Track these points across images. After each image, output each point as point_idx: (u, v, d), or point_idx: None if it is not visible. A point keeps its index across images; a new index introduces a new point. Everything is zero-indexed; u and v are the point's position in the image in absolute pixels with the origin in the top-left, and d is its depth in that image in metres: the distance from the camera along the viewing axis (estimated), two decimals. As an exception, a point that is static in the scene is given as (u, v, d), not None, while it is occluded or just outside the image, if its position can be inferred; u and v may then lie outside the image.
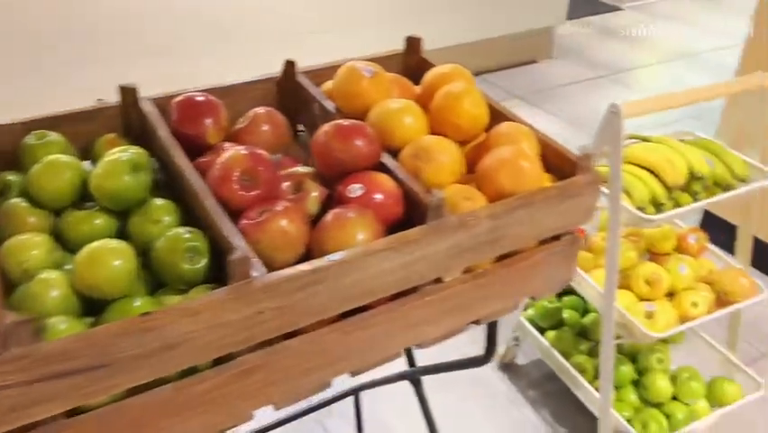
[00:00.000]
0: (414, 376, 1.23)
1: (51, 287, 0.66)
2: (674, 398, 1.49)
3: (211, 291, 0.62)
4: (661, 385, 1.46)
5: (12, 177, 0.79)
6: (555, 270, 0.90)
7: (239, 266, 0.61)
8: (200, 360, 0.65)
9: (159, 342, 0.60)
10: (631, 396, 1.50)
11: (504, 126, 0.89)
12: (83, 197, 0.77)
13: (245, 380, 0.68)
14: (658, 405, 1.48)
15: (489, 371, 1.76)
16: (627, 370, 1.52)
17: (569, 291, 1.70)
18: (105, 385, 0.61)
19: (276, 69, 0.99)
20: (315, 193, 0.79)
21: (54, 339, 0.57)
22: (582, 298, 1.60)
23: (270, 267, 0.66)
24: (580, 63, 3.69)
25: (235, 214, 0.72)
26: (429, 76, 0.97)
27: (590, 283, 1.36)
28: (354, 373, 0.79)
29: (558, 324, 1.64)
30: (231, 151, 0.76)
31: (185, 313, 0.60)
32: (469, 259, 0.79)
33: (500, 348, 1.77)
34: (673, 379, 1.50)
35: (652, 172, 1.27)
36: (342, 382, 0.93)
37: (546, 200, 0.80)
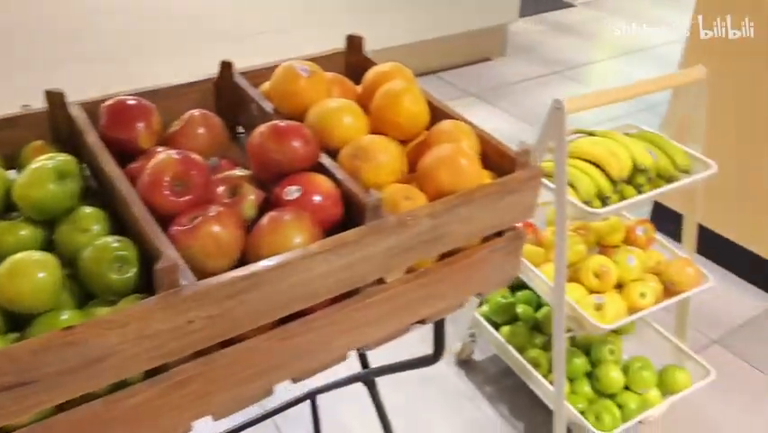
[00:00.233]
0: (366, 378, 1.22)
1: (-29, 302, 0.63)
2: (627, 388, 1.51)
3: (138, 302, 0.60)
4: (613, 376, 1.48)
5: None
6: (499, 266, 0.90)
7: (166, 275, 0.59)
8: (130, 373, 0.62)
9: (84, 356, 0.58)
10: (585, 388, 1.52)
11: (444, 124, 0.88)
12: (8, 207, 0.74)
13: (180, 391, 0.66)
14: (611, 396, 1.50)
15: (447, 368, 1.77)
16: (581, 362, 1.53)
17: (522, 286, 1.71)
18: (29, 403, 0.59)
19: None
20: (251, 197, 0.77)
21: (-29, 357, 0.55)
22: (536, 292, 1.61)
23: (203, 274, 0.64)
24: (533, 60, 3.73)
25: (168, 221, 0.70)
26: (369, 75, 0.96)
27: (541, 278, 1.37)
28: (297, 380, 0.77)
29: (512, 319, 1.65)
30: (162, 155, 0.74)
31: (110, 325, 0.58)
32: (410, 259, 0.78)
33: (456, 345, 1.77)
34: (626, 369, 1.52)
35: (597, 166, 1.28)
36: (298, 387, 0.92)
37: (486, 197, 0.79)
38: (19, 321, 0.65)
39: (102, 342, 0.58)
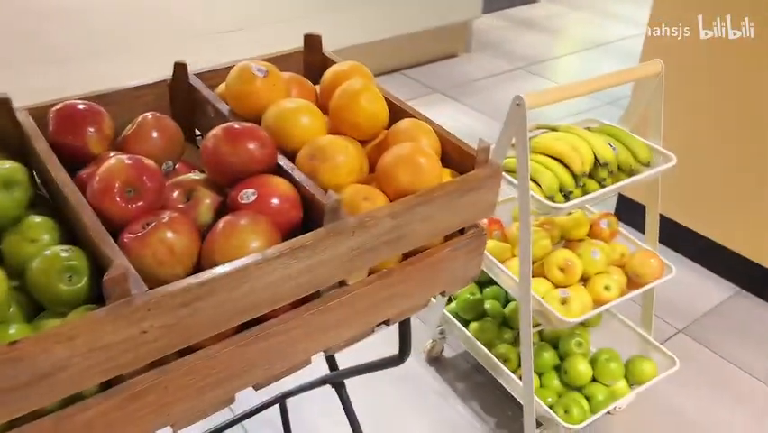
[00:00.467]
0: (335, 380, 1.21)
1: None
2: (595, 380, 1.53)
3: (87, 313, 0.58)
4: (581, 369, 1.49)
5: None
6: (463, 264, 0.89)
7: (116, 284, 0.58)
8: (82, 387, 0.60)
9: (31, 372, 0.56)
10: (554, 381, 1.53)
11: (403, 123, 0.88)
12: (-48, 218, 0.71)
13: (136, 403, 0.64)
14: (579, 388, 1.52)
15: (417, 366, 1.77)
16: (549, 356, 1.54)
17: (490, 282, 1.72)
18: (-25, 422, 0.56)
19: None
20: (207, 201, 0.75)
21: None
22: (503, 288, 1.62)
23: (157, 283, 0.62)
24: (498, 56, 3.75)
25: (120, 228, 0.68)
26: (328, 74, 0.95)
27: (507, 273, 1.38)
28: (259, 387, 0.76)
29: (481, 315, 1.65)
30: (112, 160, 0.72)
31: (58, 339, 0.56)
32: (372, 260, 0.77)
33: (426, 342, 1.77)
34: (593, 361, 1.53)
35: (560, 161, 1.29)
36: (267, 391, 0.90)
37: (446, 196, 0.79)
38: (-35, 337, 0.63)
39: (50, 356, 0.56)
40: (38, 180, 0.80)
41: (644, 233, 1.55)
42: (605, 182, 1.31)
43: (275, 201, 0.73)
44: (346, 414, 1.22)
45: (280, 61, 1.00)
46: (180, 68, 0.93)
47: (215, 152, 0.75)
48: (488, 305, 1.65)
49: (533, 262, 1.35)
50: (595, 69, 3.59)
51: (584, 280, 1.42)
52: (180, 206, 0.74)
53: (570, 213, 1.47)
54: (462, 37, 3.71)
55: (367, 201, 0.77)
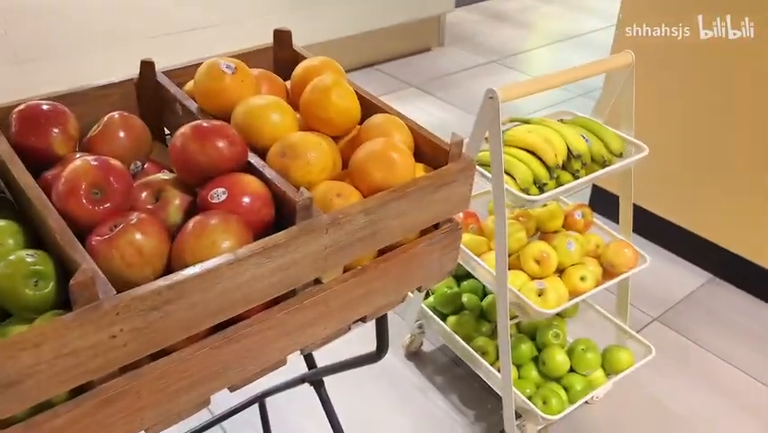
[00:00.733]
0: (313, 378, 1.20)
1: None
2: (572, 370, 1.54)
3: (53, 319, 0.56)
4: (558, 360, 1.50)
5: None
6: (438, 258, 0.89)
7: (83, 289, 0.56)
8: (51, 393, 0.59)
9: (-5, 380, 0.54)
10: (532, 372, 1.54)
11: (375, 119, 0.87)
12: None
13: (108, 409, 0.63)
14: (557, 379, 1.53)
15: (397, 361, 1.76)
16: (527, 347, 1.55)
17: (467, 276, 1.72)
18: (-61, 434, 0.55)
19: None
20: (176, 201, 0.74)
21: None
22: (480, 281, 1.62)
23: (127, 286, 0.61)
24: (471, 50, 3.76)
25: (87, 231, 0.67)
26: (299, 70, 0.94)
27: (484, 266, 1.38)
28: (234, 388, 0.75)
29: (459, 309, 1.66)
30: (78, 161, 0.70)
31: (23, 345, 0.54)
32: (346, 257, 0.77)
33: (405, 337, 1.77)
34: (570, 352, 1.54)
35: (533, 154, 1.29)
36: (245, 392, 0.89)
37: (419, 191, 0.78)
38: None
39: (15, 363, 0.55)
40: (1, 183, 0.78)
41: (618, 223, 1.57)
42: (578, 174, 1.32)
43: (246, 200, 0.72)
44: (326, 412, 1.21)
45: (250, 58, 0.98)
46: (147, 66, 0.92)
47: (184, 151, 0.73)
48: (465, 298, 1.66)
49: (509, 255, 1.36)
50: (568, 61, 3.62)
51: (560, 271, 1.43)
52: (149, 207, 0.73)
53: (544, 205, 1.48)
54: (436, 31, 3.71)
55: (340, 198, 0.77)
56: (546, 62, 3.70)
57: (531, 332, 1.61)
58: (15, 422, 0.59)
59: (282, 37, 1.04)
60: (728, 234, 2.03)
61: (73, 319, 0.56)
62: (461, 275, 1.73)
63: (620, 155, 1.38)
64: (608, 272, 1.47)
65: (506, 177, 1.24)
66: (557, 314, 1.49)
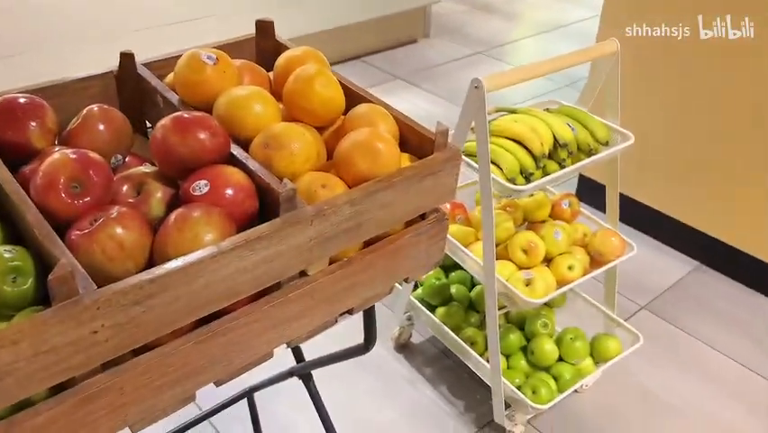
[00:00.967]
0: (301, 372, 1.20)
1: None
2: (561, 359, 1.54)
3: (32, 315, 0.55)
4: (547, 349, 1.51)
5: None
6: (425, 249, 0.89)
7: (62, 284, 0.55)
8: (31, 391, 0.58)
9: (-27, 379, 0.53)
10: (521, 362, 1.54)
11: (360, 108, 0.86)
12: None
13: (90, 405, 0.62)
14: (546, 368, 1.53)
15: (386, 352, 1.76)
16: (516, 337, 1.55)
17: (456, 267, 1.72)
18: None
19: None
20: (158, 194, 0.72)
21: None
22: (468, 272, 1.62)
23: (109, 281, 0.60)
24: (458, 41, 3.75)
25: (67, 226, 0.66)
26: (281, 60, 0.93)
27: (472, 257, 1.38)
28: (220, 383, 0.74)
29: (447, 300, 1.65)
30: (56, 155, 0.68)
31: (1, 343, 0.53)
32: (332, 249, 0.76)
33: (394, 329, 1.76)
34: (559, 341, 1.55)
35: (519, 143, 1.29)
36: (234, 386, 0.89)
37: (405, 181, 0.78)
38: None
39: (-7, 362, 0.54)
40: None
41: (605, 212, 1.57)
42: (565, 163, 1.32)
43: (229, 192, 0.71)
44: (315, 405, 1.20)
45: (232, 49, 0.97)
46: (127, 58, 0.90)
47: (165, 143, 0.72)
48: (453, 289, 1.65)
49: (496, 245, 1.36)
50: (554, 51, 3.61)
51: (548, 260, 1.43)
52: (130, 200, 0.72)
53: (531, 195, 1.48)
54: (422, 22, 3.69)
55: (325, 189, 0.76)
56: (533, 52, 3.69)
57: (519, 322, 1.61)
58: (-3, 421, 0.58)
59: (264, 27, 1.03)
60: (715, 222, 2.04)
61: (52, 315, 0.55)
62: (450, 266, 1.73)
63: (606, 144, 1.38)
64: (595, 261, 1.48)
65: (492, 167, 1.24)
66: (545, 304, 1.49)
